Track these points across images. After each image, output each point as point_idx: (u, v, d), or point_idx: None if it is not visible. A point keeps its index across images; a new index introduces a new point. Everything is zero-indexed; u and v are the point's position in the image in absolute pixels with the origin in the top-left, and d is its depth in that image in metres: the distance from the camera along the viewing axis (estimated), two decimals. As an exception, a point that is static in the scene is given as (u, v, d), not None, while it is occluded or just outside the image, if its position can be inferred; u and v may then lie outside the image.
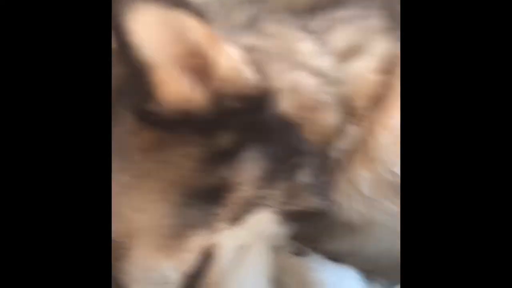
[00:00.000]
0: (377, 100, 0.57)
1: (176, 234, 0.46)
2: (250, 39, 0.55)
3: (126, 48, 0.43)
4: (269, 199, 0.51)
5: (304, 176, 0.53)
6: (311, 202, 0.54)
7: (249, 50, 0.53)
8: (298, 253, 0.63)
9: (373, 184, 0.56)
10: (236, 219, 0.49)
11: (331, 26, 0.58)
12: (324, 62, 0.56)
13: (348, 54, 0.57)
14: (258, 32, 0.56)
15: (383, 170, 0.56)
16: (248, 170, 0.49)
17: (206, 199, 0.47)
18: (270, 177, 0.50)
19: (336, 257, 0.64)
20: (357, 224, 0.59)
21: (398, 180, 0.55)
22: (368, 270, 0.62)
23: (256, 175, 0.49)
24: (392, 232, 0.58)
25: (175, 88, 0.46)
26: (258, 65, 0.52)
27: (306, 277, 0.61)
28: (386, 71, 0.56)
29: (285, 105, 0.53)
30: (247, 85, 0.48)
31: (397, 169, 0.55)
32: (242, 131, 0.49)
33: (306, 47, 0.57)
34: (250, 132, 0.49)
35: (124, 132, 0.47)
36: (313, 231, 0.63)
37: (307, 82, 0.54)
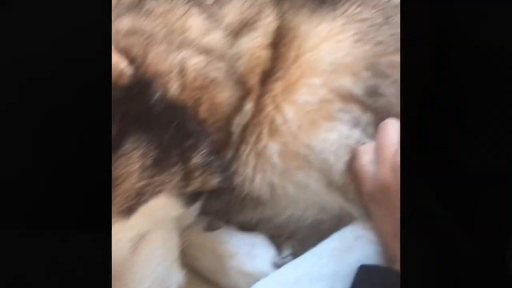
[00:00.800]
0: (270, 75, 0.56)
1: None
2: (132, 21, 0.52)
3: None
4: (164, 185, 0.50)
5: (201, 157, 0.52)
6: (211, 181, 0.54)
7: (130, 34, 0.51)
8: (209, 228, 0.64)
9: (285, 156, 0.56)
10: (128, 210, 0.48)
11: (221, 0, 0.56)
12: (214, 39, 0.54)
13: (238, 29, 0.55)
14: (145, 11, 0.53)
15: (295, 144, 0.56)
16: (134, 161, 0.48)
17: None
18: (162, 164, 0.50)
19: (248, 227, 0.65)
20: (268, 195, 0.59)
21: (311, 153, 0.55)
22: (277, 235, 0.64)
23: (144, 164, 0.48)
24: (303, 200, 0.59)
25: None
26: (138, 51, 0.50)
27: (218, 250, 0.62)
28: (274, 45, 0.55)
29: (173, 87, 0.52)
30: (122, 75, 0.47)
31: (312, 142, 0.55)
32: (123, 122, 0.47)
33: (195, 23, 0.55)
34: (133, 122, 0.48)
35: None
36: (224, 206, 0.64)
37: (195, 61, 0.53)
